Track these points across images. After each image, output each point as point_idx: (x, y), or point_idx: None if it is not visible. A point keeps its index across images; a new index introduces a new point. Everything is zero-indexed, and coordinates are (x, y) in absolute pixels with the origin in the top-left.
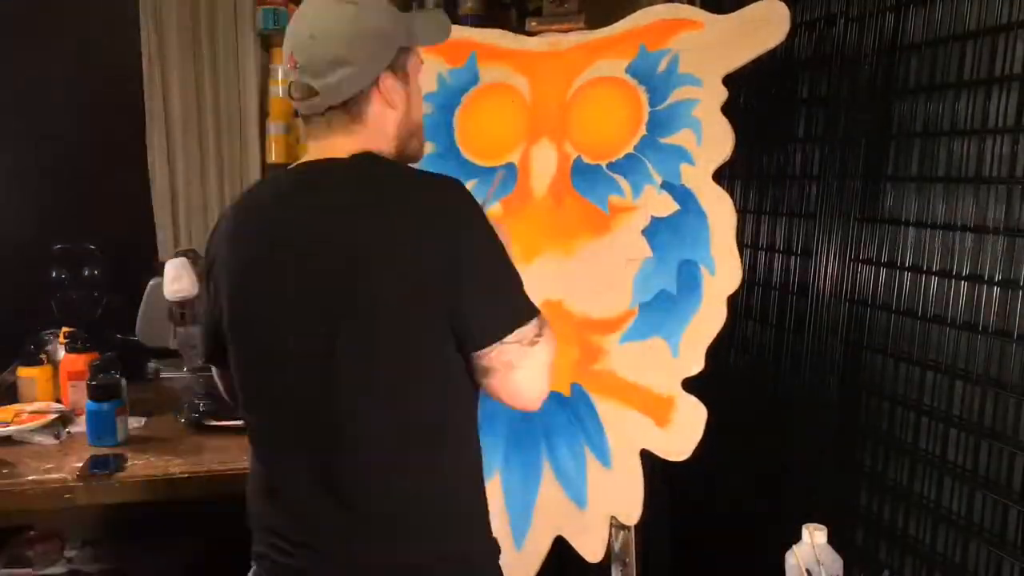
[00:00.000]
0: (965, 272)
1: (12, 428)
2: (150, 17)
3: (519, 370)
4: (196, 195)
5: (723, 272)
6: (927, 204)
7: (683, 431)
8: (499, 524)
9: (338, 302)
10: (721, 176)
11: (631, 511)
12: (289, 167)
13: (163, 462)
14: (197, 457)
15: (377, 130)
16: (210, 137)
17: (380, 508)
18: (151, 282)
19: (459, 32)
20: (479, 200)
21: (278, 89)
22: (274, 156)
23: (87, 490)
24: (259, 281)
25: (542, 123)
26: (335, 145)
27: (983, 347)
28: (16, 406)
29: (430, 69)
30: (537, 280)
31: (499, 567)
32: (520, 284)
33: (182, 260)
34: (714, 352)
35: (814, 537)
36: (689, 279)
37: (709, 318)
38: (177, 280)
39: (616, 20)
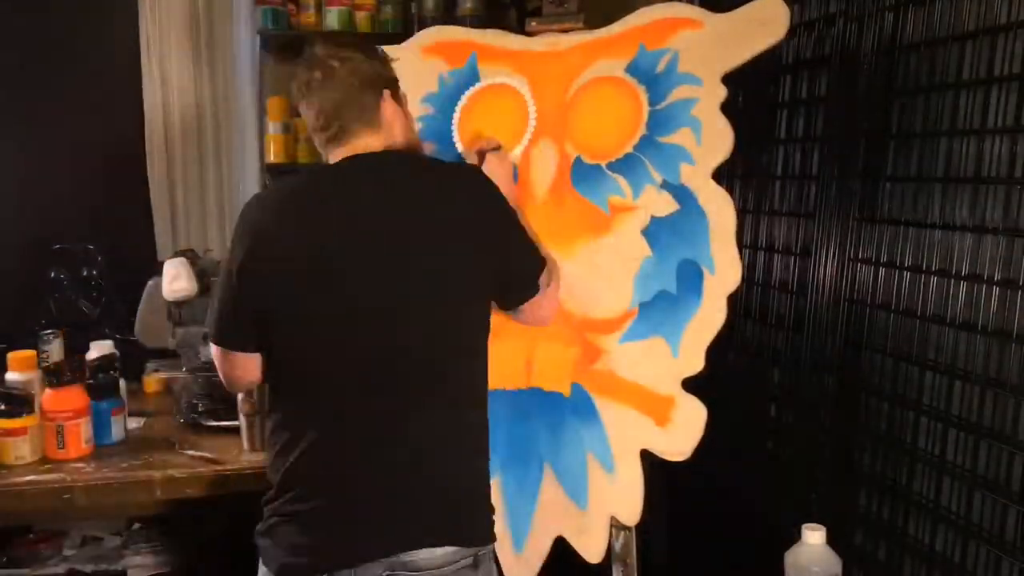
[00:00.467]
0: (964, 272)
1: None
2: (149, 17)
3: (543, 306)
4: (195, 195)
5: (723, 272)
6: (926, 204)
7: (683, 431)
8: (499, 525)
9: (407, 267)
10: (721, 176)
11: (632, 511)
12: (332, 162)
13: (161, 462)
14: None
15: (391, 135)
16: (209, 137)
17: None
18: (150, 282)
19: (459, 33)
20: None
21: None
22: (272, 156)
23: (87, 490)
24: (331, 255)
25: (542, 123)
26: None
27: (982, 347)
28: None
29: (430, 70)
30: None
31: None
32: (533, 235)
33: (181, 260)
34: (713, 352)
35: (813, 537)
36: (689, 279)
37: (709, 318)
38: (176, 280)
39: (616, 20)
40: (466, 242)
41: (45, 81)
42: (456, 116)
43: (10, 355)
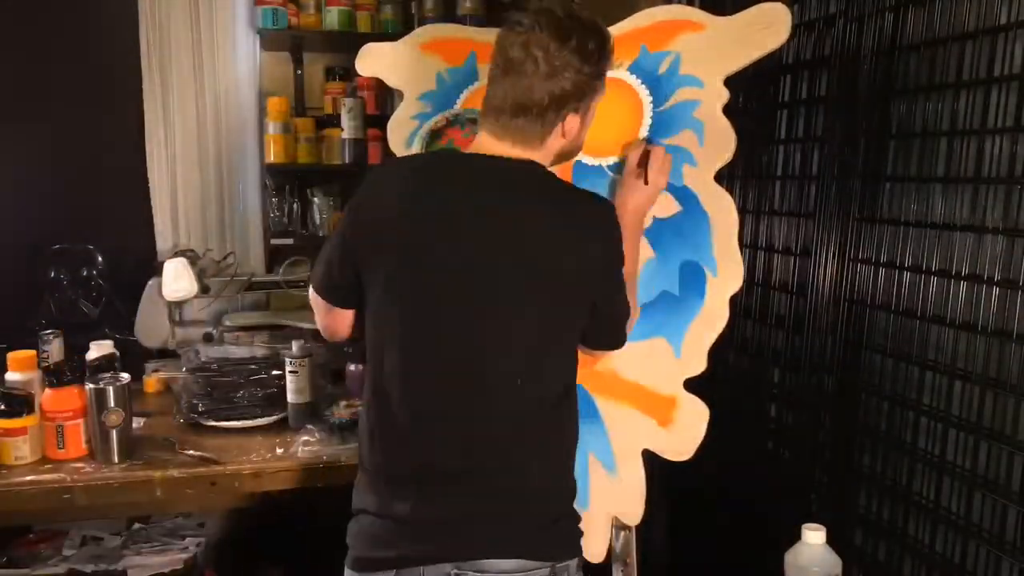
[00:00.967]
0: (964, 272)
1: None
2: (149, 16)
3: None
4: (195, 196)
5: (725, 272)
6: (926, 204)
7: (685, 431)
8: None
9: (494, 278)
10: (721, 176)
11: (633, 511)
12: (467, 153)
13: (162, 462)
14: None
15: (546, 152)
16: (209, 137)
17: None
18: (150, 282)
19: (458, 31)
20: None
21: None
22: (272, 156)
23: (86, 490)
24: (442, 237)
25: None
26: (507, 149)
27: (982, 347)
28: None
29: (429, 68)
30: None
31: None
32: (625, 290)
33: (181, 260)
34: (714, 352)
35: (813, 537)
36: (691, 280)
37: (711, 318)
38: (176, 280)
39: (616, 21)
40: (562, 276)
41: (45, 81)
42: None
43: (10, 355)
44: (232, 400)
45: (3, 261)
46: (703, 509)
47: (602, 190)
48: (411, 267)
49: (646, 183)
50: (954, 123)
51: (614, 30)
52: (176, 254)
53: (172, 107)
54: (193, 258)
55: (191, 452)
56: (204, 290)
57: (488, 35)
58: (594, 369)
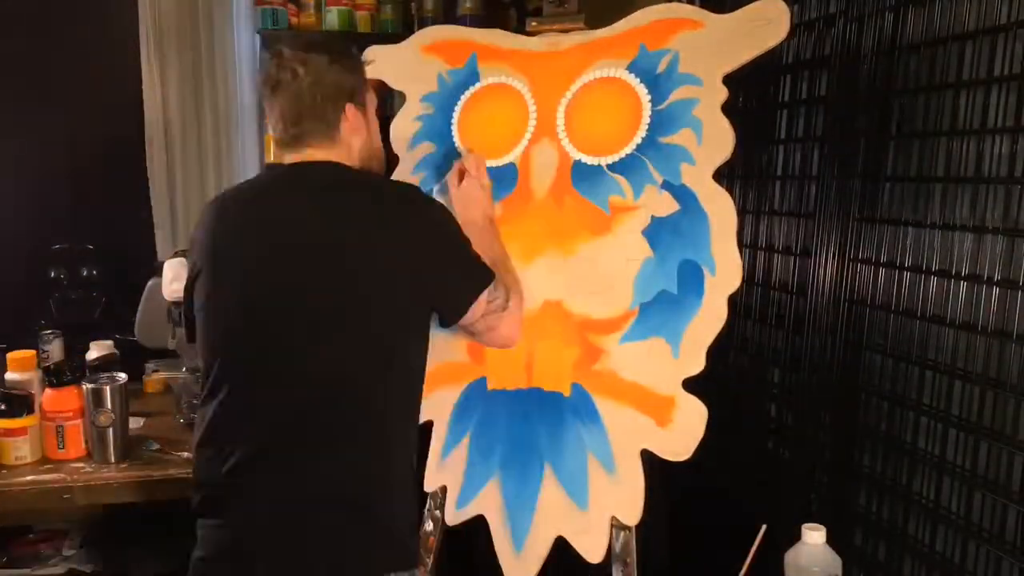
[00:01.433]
0: (964, 272)
1: None
2: (149, 17)
3: (499, 328)
4: (195, 195)
5: (724, 272)
6: (926, 204)
7: (684, 431)
8: (499, 525)
9: (312, 283)
10: (721, 176)
11: (632, 511)
12: (270, 167)
13: (162, 462)
14: None
15: (344, 150)
16: (208, 137)
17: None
18: (150, 282)
19: (459, 32)
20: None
21: None
22: (272, 156)
23: (87, 490)
24: (246, 257)
25: (542, 123)
26: (306, 154)
27: (982, 347)
28: None
29: (430, 69)
30: (537, 280)
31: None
32: (474, 256)
33: (181, 260)
34: (714, 352)
35: (813, 537)
36: (690, 279)
37: (710, 318)
38: (176, 280)
39: (616, 20)
40: (389, 263)
41: (45, 81)
42: (456, 116)
43: (10, 355)
44: None
45: (3, 261)
46: (703, 509)
47: (602, 189)
48: (220, 289)
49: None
50: (954, 123)
51: (614, 29)
52: (176, 254)
53: (172, 107)
54: None
55: (185, 454)
56: None
57: (489, 36)
58: (592, 369)
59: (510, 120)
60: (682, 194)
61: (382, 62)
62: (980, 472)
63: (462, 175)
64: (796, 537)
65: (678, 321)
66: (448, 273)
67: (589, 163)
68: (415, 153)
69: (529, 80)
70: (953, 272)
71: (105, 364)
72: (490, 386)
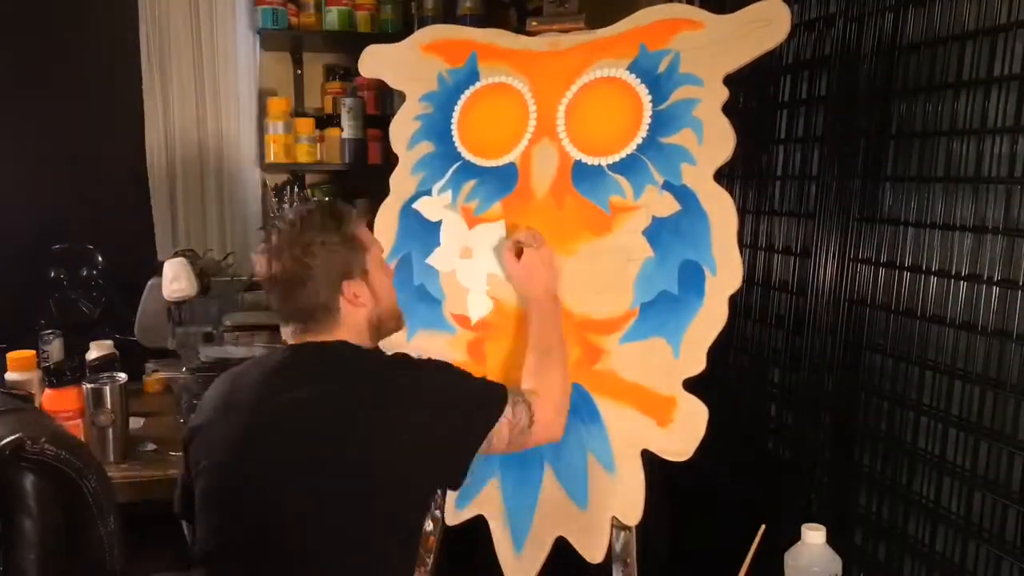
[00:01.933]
0: (964, 272)
1: None
2: (149, 16)
3: (529, 444)
4: (195, 196)
5: (724, 272)
6: (926, 204)
7: (684, 431)
8: (499, 526)
9: (309, 469)
10: (721, 176)
11: (632, 512)
12: (277, 349)
13: (162, 462)
14: None
15: (350, 325)
16: (209, 137)
17: None
18: (150, 282)
19: (459, 32)
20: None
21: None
22: (272, 156)
23: None
24: (246, 443)
25: (542, 123)
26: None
27: (982, 347)
28: None
29: (430, 69)
30: None
31: None
32: (479, 396)
33: (180, 260)
34: (713, 352)
35: (813, 537)
36: (690, 279)
37: (710, 318)
38: (176, 280)
39: (616, 20)
40: (393, 449)
41: (45, 81)
42: (456, 115)
43: (10, 355)
44: None
45: (3, 261)
46: (703, 509)
47: (603, 189)
48: (218, 475)
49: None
50: (954, 123)
51: (614, 29)
52: (176, 254)
53: (172, 107)
54: (193, 258)
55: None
56: (204, 290)
57: (489, 35)
58: (593, 369)
59: (510, 120)
60: (683, 194)
61: (381, 61)
62: (980, 472)
63: (519, 251)
64: (796, 537)
65: (679, 321)
66: (459, 441)
67: (589, 163)
68: (414, 153)
69: (529, 80)
70: (953, 272)
71: (105, 364)
72: None
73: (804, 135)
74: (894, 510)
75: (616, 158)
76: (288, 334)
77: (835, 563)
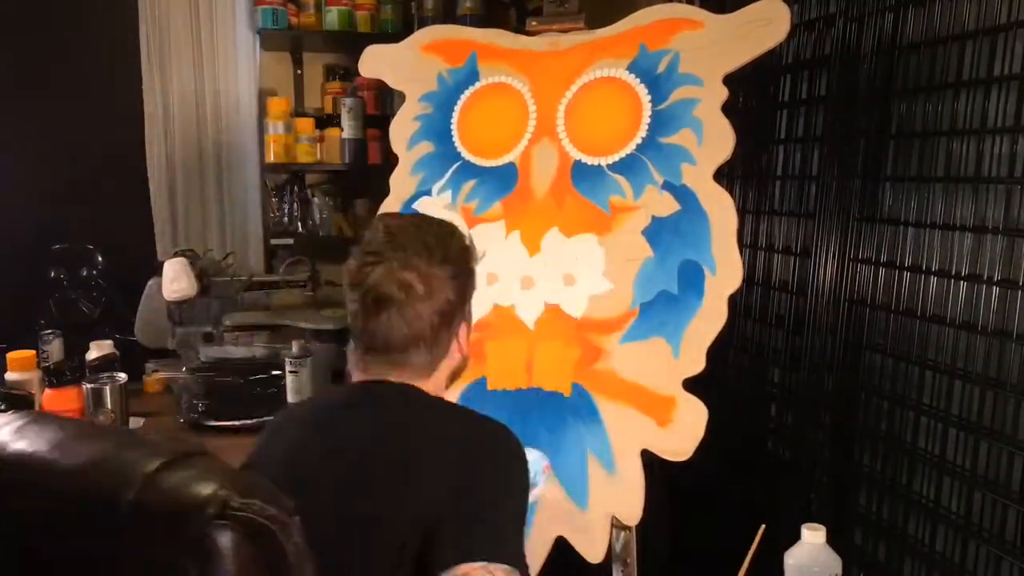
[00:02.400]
0: (964, 272)
1: None
2: (149, 16)
3: None
4: (195, 196)
5: (724, 272)
6: (926, 204)
7: (684, 431)
8: None
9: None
10: (721, 176)
11: (632, 511)
12: (353, 385)
13: None
14: None
15: (438, 376)
16: (209, 137)
17: None
18: (150, 282)
19: (459, 32)
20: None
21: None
22: (272, 156)
23: None
24: (301, 471)
25: (542, 123)
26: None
27: (982, 347)
28: None
29: (430, 68)
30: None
31: None
32: (514, 530)
33: (181, 260)
34: (713, 352)
35: (813, 537)
36: (690, 279)
37: (710, 318)
38: (176, 280)
39: (616, 20)
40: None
41: (45, 81)
42: (455, 115)
43: (10, 355)
44: (232, 400)
45: (3, 261)
46: (703, 509)
47: (603, 189)
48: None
49: None
50: (954, 123)
51: (614, 29)
52: (176, 254)
53: (172, 107)
54: (193, 258)
55: None
56: (204, 290)
57: (489, 35)
58: (593, 368)
59: (510, 120)
60: (682, 194)
61: (382, 61)
62: (980, 472)
63: None
64: (796, 537)
65: (678, 321)
66: (469, 525)
67: (589, 163)
68: (414, 153)
69: (529, 80)
70: (953, 272)
71: (105, 364)
72: (490, 386)
73: (804, 135)
74: (894, 510)
75: (616, 158)
76: (359, 360)
77: (835, 563)
